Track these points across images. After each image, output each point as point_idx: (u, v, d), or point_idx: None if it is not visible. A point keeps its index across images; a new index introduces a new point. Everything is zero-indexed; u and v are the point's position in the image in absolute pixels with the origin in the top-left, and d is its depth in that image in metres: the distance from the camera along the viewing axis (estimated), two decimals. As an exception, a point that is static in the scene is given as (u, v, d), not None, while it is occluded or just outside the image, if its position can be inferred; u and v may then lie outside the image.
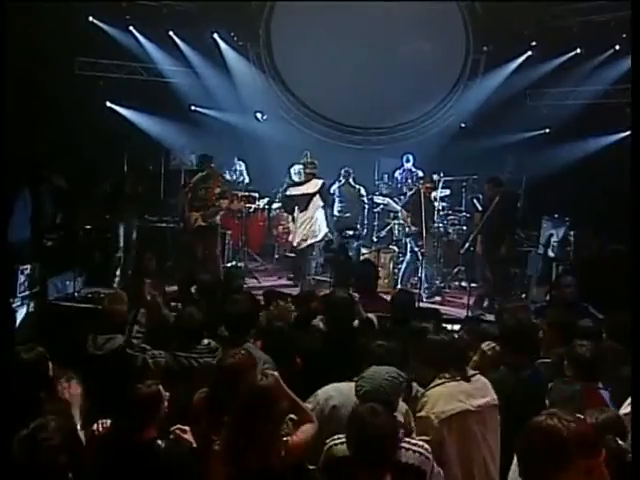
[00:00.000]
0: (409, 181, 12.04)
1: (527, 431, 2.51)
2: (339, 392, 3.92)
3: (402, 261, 10.38)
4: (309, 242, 10.07)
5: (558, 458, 2.38)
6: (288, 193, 10.41)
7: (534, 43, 12.42)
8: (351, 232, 10.73)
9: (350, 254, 10.21)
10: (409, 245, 10.13)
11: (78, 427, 3.75)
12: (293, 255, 10.69)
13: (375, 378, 3.57)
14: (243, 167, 12.57)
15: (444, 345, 4.12)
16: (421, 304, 8.80)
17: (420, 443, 3.44)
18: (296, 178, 10.51)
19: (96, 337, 4.70)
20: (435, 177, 10.47)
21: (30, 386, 3.71)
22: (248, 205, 11.34)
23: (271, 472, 3.21)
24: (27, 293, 8.07)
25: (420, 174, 11.68)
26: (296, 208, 10.15)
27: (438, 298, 10.01)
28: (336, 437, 3.39)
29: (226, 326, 4.91)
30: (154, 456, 3.33)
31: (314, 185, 10.12)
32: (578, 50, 11.98)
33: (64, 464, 2.67)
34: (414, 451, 3.37)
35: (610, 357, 4.36)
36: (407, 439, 3.44)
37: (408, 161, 12.32)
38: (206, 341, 4.62)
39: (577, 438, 2.39)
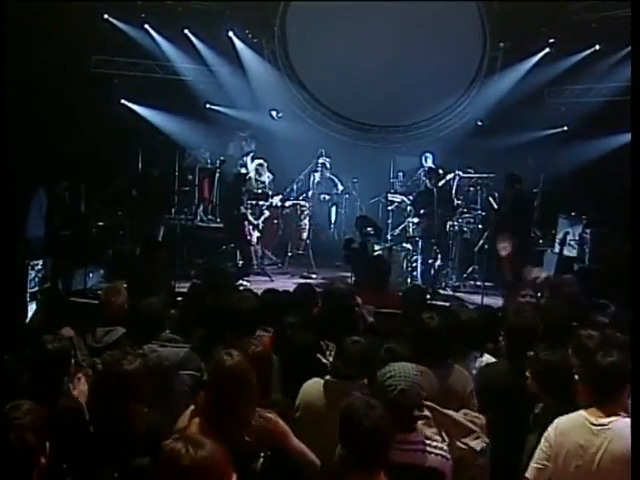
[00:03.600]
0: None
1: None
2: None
3: (416, 259, 10.32)
4: None
5: None
6: None
7: (552, 40, 12.22)
8: (372, 230, 10.68)
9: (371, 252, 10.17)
10: (421, 242, 10.07)
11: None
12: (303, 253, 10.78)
13: (407, 375, 3.41)
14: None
15: None
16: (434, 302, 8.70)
17: (440, 445, 3.38)
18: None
19: (95, 330, 4.67)
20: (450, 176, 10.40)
21: (54, 374, 3.80)
22: (262, 203, 11.31)
23: (247, 448, 3.24)
24: (38, 288, 8.10)
25: (440, 172, 11.55)
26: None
27: (451, 292, 9.92)
28: None
29: (230, 325, 4.72)
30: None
31: None
32: (597, 46, 11.80)
33: (32, 444, 2.67)
34: (436, 454, 3.33)
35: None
36: (428, 442, 3.36)
37: (427, 160, 12.19)
38: (167, 331, 4.67)
39: None
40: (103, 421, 3.35)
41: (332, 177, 12.09)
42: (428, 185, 10.44)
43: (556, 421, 3.53)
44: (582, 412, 3.49)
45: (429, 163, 12.10)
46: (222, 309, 4.93)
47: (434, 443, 3.37)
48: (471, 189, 11.21)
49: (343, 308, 5.14)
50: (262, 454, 3.37)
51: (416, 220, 10.48)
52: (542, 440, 3.52)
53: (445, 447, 3.37)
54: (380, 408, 3.03)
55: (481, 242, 9.53)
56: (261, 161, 11.97)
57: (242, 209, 10.54)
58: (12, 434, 2.65)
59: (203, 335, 4.80)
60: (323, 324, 5.01)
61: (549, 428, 3.52)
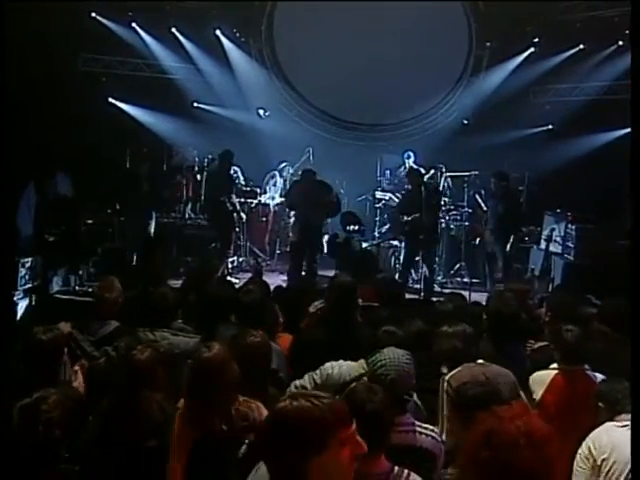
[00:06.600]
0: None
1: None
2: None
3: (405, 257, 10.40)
4: None
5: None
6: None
7: (537, 39, 12.37)
8: (356, 227, 10.72)
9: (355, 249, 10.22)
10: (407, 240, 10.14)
11: None
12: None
13: (398, 363, 3.47)
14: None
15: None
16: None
17: (431, 427, 3.47)
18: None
19: (90, 324, 4.73)
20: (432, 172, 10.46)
21: (50, 363, 3.90)
22: (250, 200, 11.35)
23: (231, 435, 3.32)
24: (28, 286, 8.11)
25: (422, 171, 11.60)
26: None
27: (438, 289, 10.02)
28: None
29: (238, 316, 4.86)
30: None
31: None
32: (582, 46, 11.94)
33: (59, 439, 2.68)
34: (427, 435, 3.41)
35: (602, 341, 4.38)
36: (419, 423, 3.45)
37: (409, 158, 12.24)
38: (180, 321, 4.82)
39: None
40: (117, 407, 3.42)
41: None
42: (410, 185, 10.47)
43: (589, 438, 3.49)
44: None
45: (411, 161, 12.15)
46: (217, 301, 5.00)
47: (425, 425, 3.46)
48: (453, 186, 11.30)
49: (350, 302, 5.17)
50: (247, 441, 3.40)
51: (405, 219, 10.49)
52: (577, 459, 3.46)
53: (436, 430, 3.45)
54: (382, 393, 3.10)
55: (468, 239, 9.61)
56: None
57: (229, 206, 10.48)
58: (41, 427, 2.66)
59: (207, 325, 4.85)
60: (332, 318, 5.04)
61: (583, 446, 3.48)
